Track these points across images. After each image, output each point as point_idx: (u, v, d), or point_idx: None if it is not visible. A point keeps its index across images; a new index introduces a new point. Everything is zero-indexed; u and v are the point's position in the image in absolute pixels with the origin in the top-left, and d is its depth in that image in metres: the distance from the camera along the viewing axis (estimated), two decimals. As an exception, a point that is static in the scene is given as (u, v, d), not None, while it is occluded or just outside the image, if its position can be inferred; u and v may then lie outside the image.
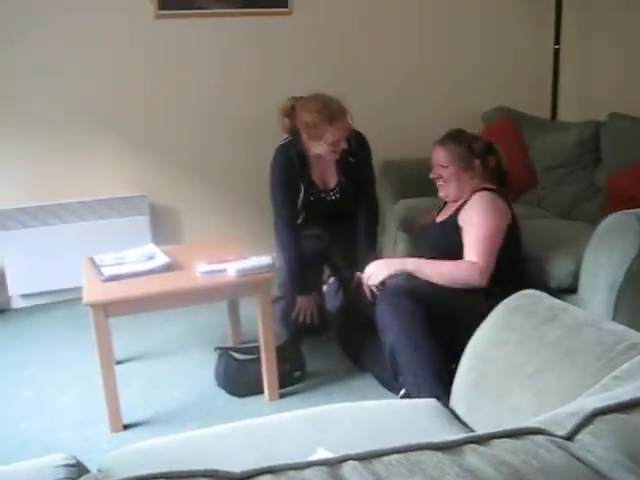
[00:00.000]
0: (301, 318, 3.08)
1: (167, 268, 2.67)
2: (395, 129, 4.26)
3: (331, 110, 2.84)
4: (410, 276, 2.54)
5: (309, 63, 4.10)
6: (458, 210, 2.63)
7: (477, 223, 2.52)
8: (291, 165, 3.05)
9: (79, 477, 1.01)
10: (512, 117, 4.15)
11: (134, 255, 2.80)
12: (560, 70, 4.38)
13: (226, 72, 3.98)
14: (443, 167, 2.68)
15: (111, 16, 3.68)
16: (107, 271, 2.62)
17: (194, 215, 4.09)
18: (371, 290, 2.56)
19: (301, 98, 2.98)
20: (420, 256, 2.65)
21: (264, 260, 2.65)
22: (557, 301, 1.70)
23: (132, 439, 2.40)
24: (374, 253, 3.21)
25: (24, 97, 3.65)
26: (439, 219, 2.76)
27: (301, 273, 3.12)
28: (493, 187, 2.66)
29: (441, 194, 2.75)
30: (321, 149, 2.94)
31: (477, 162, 2.68)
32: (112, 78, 3.77)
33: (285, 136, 3.10)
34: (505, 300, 1.85)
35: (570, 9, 4.27)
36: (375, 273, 2.58)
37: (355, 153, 3.08)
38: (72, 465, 1.22)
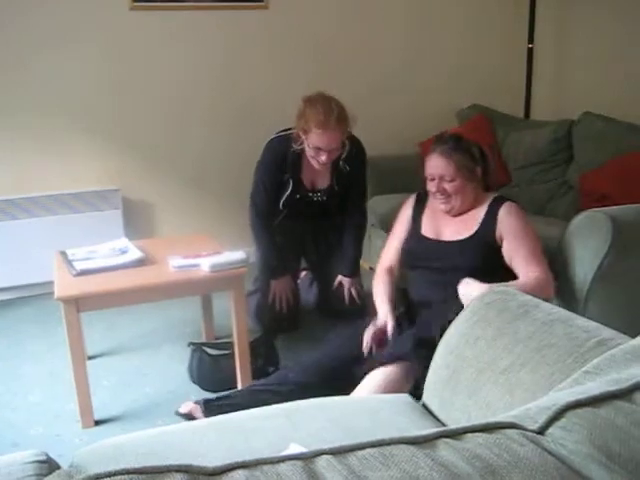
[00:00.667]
0: (277, 304, 3.08)
1: (140, 262, 2.65)
2: (370, 126, 4.25)
3: (327, 118, 2.75)
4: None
5: (286, 59, 4.10)
6: (484, 223, 2.42)
7: (527, 236, 2.38)
8: (283, 159, 3.00)
9: (49, 473, 0.99)
10: (486, 115, 4.18)
11: (106, 249, 2.77)
12: (534, 69, 4.43)
13: (202, 66, 3.96)
14: (446, 180, 2.43)
15: (86, 7, 3.64)
16: (79, 265, 2.59)
17: (168, 210, 4.07)
18: (351, 294, 2.52)
19: (322, 94, 2.88)
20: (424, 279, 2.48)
21: (238, 255, 2.63)
22: (529, 297, 1.72)
23: (104, 435, 2.38)
24: (357, 267, 3.22)
25: (-5, 89, 3.60)
26: (454, 237, 2.47)
27: (274, 259, 3.12)
28: (504, 195, 2.53)
29: (445, 208, 2.49)
30: (306, 149, 2.90)
31: (479, 170, 2.49)
32: (86, 71, 3.73)
33: (284, 127, 3.04)
34: (478, 296, 1.87)
35: (544, 8, 4.32)
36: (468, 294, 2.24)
37: (351, 161, 3.04)
38: (42, 461, 1.21)
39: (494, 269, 2.35)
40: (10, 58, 3.58)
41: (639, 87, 3.70)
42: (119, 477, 0.64)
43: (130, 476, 0.64)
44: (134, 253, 2.71)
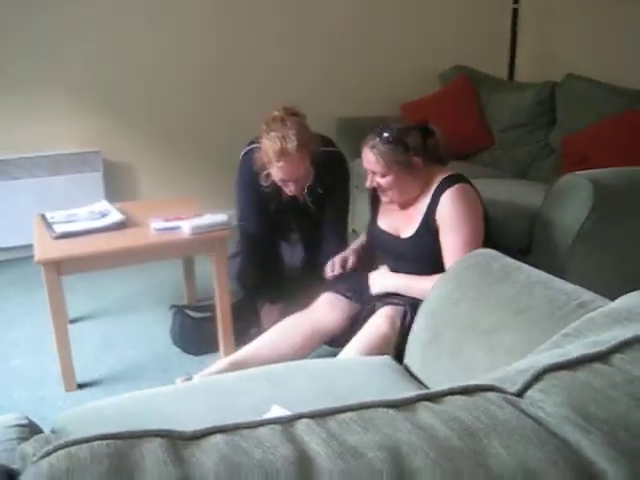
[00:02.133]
0: (265, 328, 2.70)
1: (121, 225, 2.63)
2: (352, 87, 4.24)
3: (284, 146, 2.50)
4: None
5: (270, 21, 4.04)
6: (427, 214, 2.32)
7: (458, 227, 2.25)
8: (259, 181, 2.70)
9: (31, 437, 0.99)
10: (469, 76, 4.15)
11: (87, 212, 2.74)
12: (518, 30, 4.39)
13: (188, 28, 3.89)
14: (378, 175, 2.33)
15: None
16: (59, 228, 2.56)
17: (149, 172, 4.03)
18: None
19: (275, 118, 2.57)
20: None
21: (220, 217, 2.62)
22: (510, 260, 1.73)
23: (87, 398, 2.38)
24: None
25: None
26: (405, 233, 2.40)
27: (270, 284, 2.91)
28: (454, 173, 2.35)
29: (385, 200, 2.42)
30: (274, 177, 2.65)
31: (416, 160, 2.31)
32: (69, 30, 3.65)
33: (250, 140, 2.78)
34: (459, 259, 1.88)
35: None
36: (375, 286, 2.41)
37: (325, 182, 2.73)
38: (24, 425, 1.21)
39: (439, 255, 2.30)
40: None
41: (624, 49, 3.68)
42: (97, 442, 0.63)
43: (107, 441, 0.64)
44: (115, 216, 2.69)
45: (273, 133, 2.52)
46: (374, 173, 2.34)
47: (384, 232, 2.48)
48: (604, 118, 3.27)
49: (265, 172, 2.64)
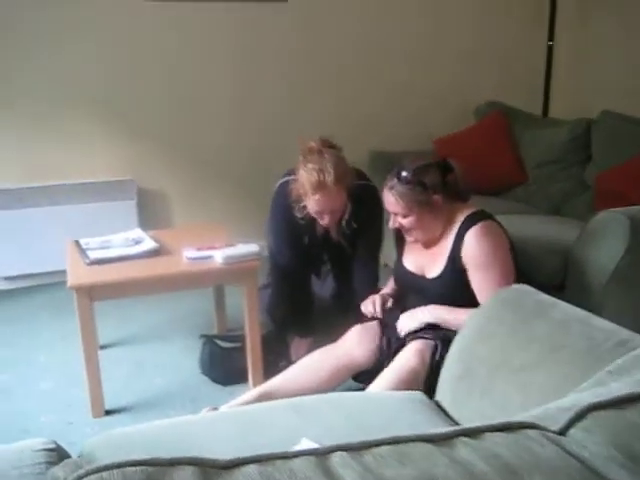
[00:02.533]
0: (294, 361, 2.68)
1: (154, 253, 2.64)
2: (383, 120, 4.26)
3: (321, 179, 2.49)
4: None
5: (303, 54, 4.08)
6: (452, 254, 2.29)
7: (487, 265, 2.23)
8: (293, 213, 2.69)
9: (59, 461, 0.99)
10: (504, 112, 4.14)
11: (120, 239, 2.77)
12: (553, 67, 4.39)
13: (217, 58, 3.95)
14: (400, 216, 2.32)
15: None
16: (92, 254, 2.59)
17: (182, 201, 4.06)
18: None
19: (316, 148, 2.56)
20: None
21: (251, 247, 2.62)
22: (546, 296, 1.70)
23: (114, 425, 2.37)
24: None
25: (11, 76, 3.60)
26: (431, 273, 2.37)
27: (300, 317, 2.90)
28: (477, 210, 2.34)
29: (410, 240, 2.42)
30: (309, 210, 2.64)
31: (436, 198, 2.30)
32: (103, 59, 3.73)
33: (287, 171, 2.76)
34: (494, 293, 1.85)
35: (565, 5, 4.27)
36: (407, 325, 2.34)
37: (360, 216, 2.72)
38: (52, 449, 1.21)
39: (468, 295, 2.26)
40: (26, 45, 3.58)
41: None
42: (129, 468, 0.63)
43: (140, 467, 0.63)
44: (148, 243, 2.71)
45: (310, 165, 2.52)
46: (396, 214, 2.33)
47: (410, 272, 2.45)
48: (638, 155, 3.23)
49: (301, 204, 2.63)
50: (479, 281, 2.24)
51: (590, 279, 2.59)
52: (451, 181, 2.36)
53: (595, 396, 0.76)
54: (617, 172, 3.29)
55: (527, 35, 4.46)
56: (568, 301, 1.67)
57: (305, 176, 2.53)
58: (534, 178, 3.84)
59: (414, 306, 2.40)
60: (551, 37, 4.33)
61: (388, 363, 2.24)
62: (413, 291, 2.48)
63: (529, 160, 3.89)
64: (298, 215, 2.69)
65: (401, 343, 2.31)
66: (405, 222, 2.32)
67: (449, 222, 2.33)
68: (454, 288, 2.30)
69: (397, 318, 2.40)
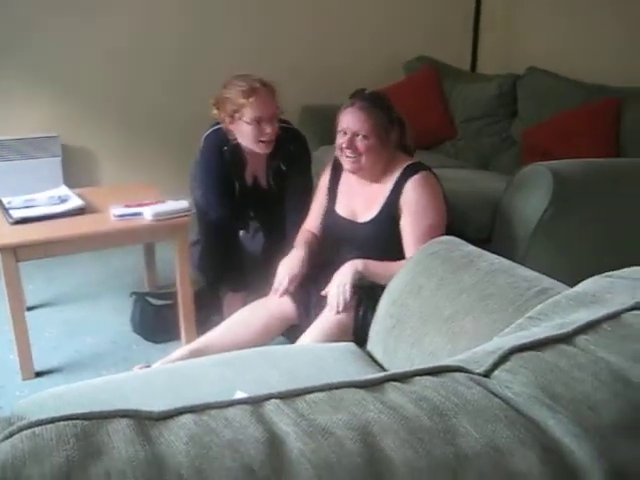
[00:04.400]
0: (227, 316, 2.65)
1: (80, 211, 2.58)
2: (317, 77, 4.23)
3: (252, 84, 2.55)
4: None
5: (224, 14, 4.00)
6: (389, 200, 2.30)
7: (423, 213, 2.25)
8: (223, 158, 2.72)
9: (-11, 422, 0.97)
10: (433, 67, 4.17)
11: (45, 197, 2.69)
12: (481, 22, 4.42)
13: (147, 6, 3.83)
14: (360, 137, 2.27)
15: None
16: (16, 213, 2.51)
17: (110, 158, 3.96)
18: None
19: (237, 75, 2.67)
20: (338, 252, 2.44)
21: (181, 204, 2.60)
22: (473, 247, 1.74)
23: (46, 386, 2.31)
24: None
25: None
26: (363, 217, 2.38)
27: (232, 272, 2.86)
28: (417, 161, 2.36)
29: (350, 167, 2.34)
30: (244, 135, 2.61)
31: (394, 134, 2.32)
32: (30, 13, 3.56)
33: (212, 123, 2.77)
34: (423, 246, 1.88)
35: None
36: (342, 289, 2.22)
37: (288, 158, 2.75)
38: (-19, 411, 1.18)
39: (398, 243, 2.30)
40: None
41: (586, 43, 3.73)
42: (62, 423, 0.62)
43: (74, 422, 0.63)
44: (74, 201, 2.64)
45: (235, 81, 2.59)
46: (355, 135, 2.28)
47: (341, 218, 2.46)
48: (563, 111, 3.32)
49: (232, 138, 2.65)
50: (411, 228, 2.27)
51: (516, 231, 2.67)
52: (401, 131, 2.38)
53: (517, 339, 0.79)
54: (542, 128, 3.37)
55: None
56: (495, 253, 1.72)
57: (234, 91, 2.57)
58: (463, 133, 3.91)
59: (342, 256, 2.39)
60: (479, -9, 4.36)
61: (315, 317, 2.26)
62: (343, 239, 2.47)
63: (458, 115, 3.95)
64: (228, 157, 2.70)
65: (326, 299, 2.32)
66: (361, 144, 2.27)
67: (389, 168, 2.34)
68: (385, 234, 2.32)
69: (323, 273, 2.37)
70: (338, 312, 2.18)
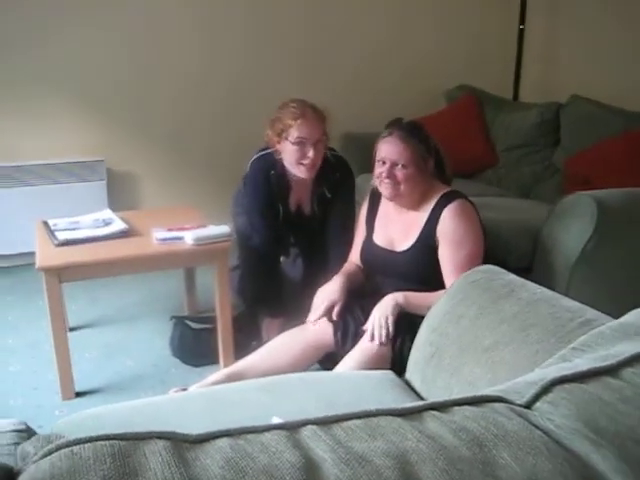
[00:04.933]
0: (265, 341, 2.65)
1: (123, 234, 2.62)
2: (357, 104, 4.25)
3: (303, 107, 2.60)
4: None
5: (271, 44, 4.06)
6: (426, 228, 2.31)
7: (460, 242, 2.25)
8: (270, 182, 2.76)
9: (29, 440, 0.98)
10: (475, 95, 4.16)
11: (90, 220, 2.74)
12: (524, 50, 4.41)
13: (195, 36, 3.91)
14: (399, 166, 2.28)
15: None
16: (61, 235, 2.56)
17: (153, 182, 4.03)
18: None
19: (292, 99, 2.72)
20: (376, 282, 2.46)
21: (222, 229, 2.62)
22: (514, 276, 1.72)
23: (85, 407, 2.34)
24: None
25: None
26: (401, 246, 2.38)
27: (271, 298, 2.88)
28: (454, 189, 2.37)
29: (389, 194, 2.34)
30: (288, 155, 2.64)
31: (431, 163, 2.34)
32: (75, 38, 3.66)
33: (259, 149, 2.83)
34: (463, 274, 1.87)
35: (536, -11, 4.29)
36: (384, 322, 2.20)
37: (334, 188, 2.79)
38: (22, 430, 1.20)
39: (436, 272, 2.28)
40: (-6, 23, 3.51)
41: (627, 71, 3.69)
42: (100, 443, 0.63)
43: (111, 442, 0.63)
44: (118, 224, 2.68)
45: (289, 103, 2.65)
46: (394, 164, 2.29)
47: (379, 247, 2.46)
48: (604, 139, 3.28)
49: (279, 159, 2.69)
50: (449, 257, 2.26)
51: (558, 261, 2.63)
52: (438, 160, 2.40)
53: (560, 371, 0.77)
54: (584, 156, 3.33)
55: (498, 18, 4.48)
56: (536, 282, 1.70)
57: (286, 111, 2.62)
58: (504, 161, 3.88)
59: (380, 286, 2.40)
60: (522, 21, 4.34)
61: (352, 347, 2.25)
62: (381, 268, 2.47)
63: (499, 143, 3.93)
64: (274, 181, 2.74)
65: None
66: (400, 174, 2.29)
67: (425, 197, 2.35)
68: (422, 262, 2.32)
69: (362, 303, 2.37)
70: (379, 344, 2.17)
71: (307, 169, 2.64)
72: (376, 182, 2.38)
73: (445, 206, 2.28)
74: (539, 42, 4.37)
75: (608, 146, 3.25)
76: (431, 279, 2.26)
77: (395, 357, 2.14)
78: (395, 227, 2.43)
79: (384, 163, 2.31)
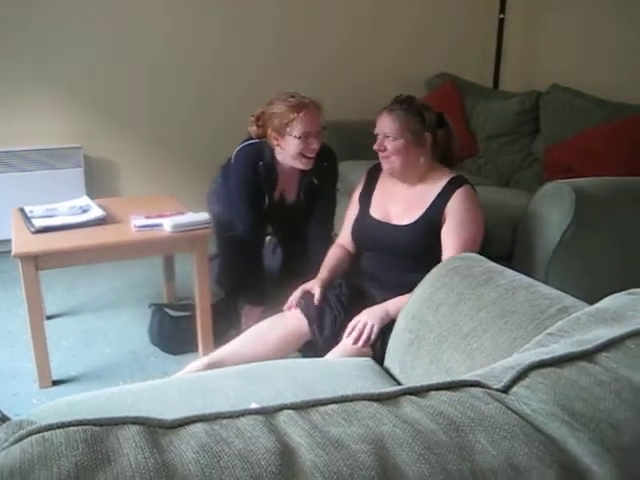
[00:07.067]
0: (244, 329, 2.63)
1: (101, 221, 2.60)
2: (340, 93, 4.23)
3: (302, 100, 2.59)
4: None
5: (249, 33, 4.03)
6: (434, 206, 2.34)
7: (467, 224, 2.30)
8: (258, 173, 2.74)
9: (3, 428, 0.97)
10: (455, 84, 4.16)
11: (67, 207, 2.71)
12: (504, 39, 4.41)
13: (174, 23, 3.88)
14: (390, 138, 2.34)
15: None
16: (38, 222, 2.53)
17: (131, 169, 3.99)
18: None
19: (282, 93, 2.69)
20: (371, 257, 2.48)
21: (201, 216, 2.61)
22: (493, 264, 1.72)
23: (62, 395, 2.32)
24: None
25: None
26: (400, 221, 2.41)
27: (252, 286, 2.88)
28: (463, 176, 2.41)
29: (385, 167, 2.42)
30: (291, 149, 2.61)
31: (428, 135, 2.38)
32: (52, 25, 3.61)
33: (244, 139, 2.80)
34: (442, 262, 1.87)
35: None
36: (368, 328, 2.21)
37: (321, 175, 2.80)
38: (-4, 417, 1.18)
39: (437, 247, 2.32)
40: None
41: (608, 61, 3.70)
42: (72, 428, 0.62)
43: (84, 427, 0.62)
44: (95, 211, 2.66)
45: (283, 97, 2.61)
46: (386, 136, 2.36)
47: (375, 219, 2.46)
48: (586, 129, 3.29)
49: (270, 153, 2.68)
50: (453, 235, 2.30)
51: (537, 249, 2.64)
52: (441, 136, 2.44)
53: (536, 356, 0.77)
54: (564, 145, 3.35)
55: (479, 7, 4.49)
56: (516, 270, 1.70)
57: (283, 106, 2.59)
58: (484, 150, 3.89)
59: (368, 266, 2.43)
60: (502, 10, 4.35)
61: (333, 339, 2.26)
62: (374, 242, 2.47)
63: (479, 131, 3.94)
64: (262, 172, 2.72)
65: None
66: (391, 145, 2.35)
67: (431, 176, 2.40)
68: (421, 239, 2.34)
69: (339, 289, 2.40)
70: (359, 345, 2.18)
71: (308, 161, 2.65)
72: (380, 159, 2.44)
73: (457, 187, 2.33)
74: (519, 31, 4.38)
75: (589, 135, 3.26)
76: (424, 257, 2.27)
77: (376, 355, 2.14)
78: (396, 203, 2.45)
79: (377, 137, 2.39)
